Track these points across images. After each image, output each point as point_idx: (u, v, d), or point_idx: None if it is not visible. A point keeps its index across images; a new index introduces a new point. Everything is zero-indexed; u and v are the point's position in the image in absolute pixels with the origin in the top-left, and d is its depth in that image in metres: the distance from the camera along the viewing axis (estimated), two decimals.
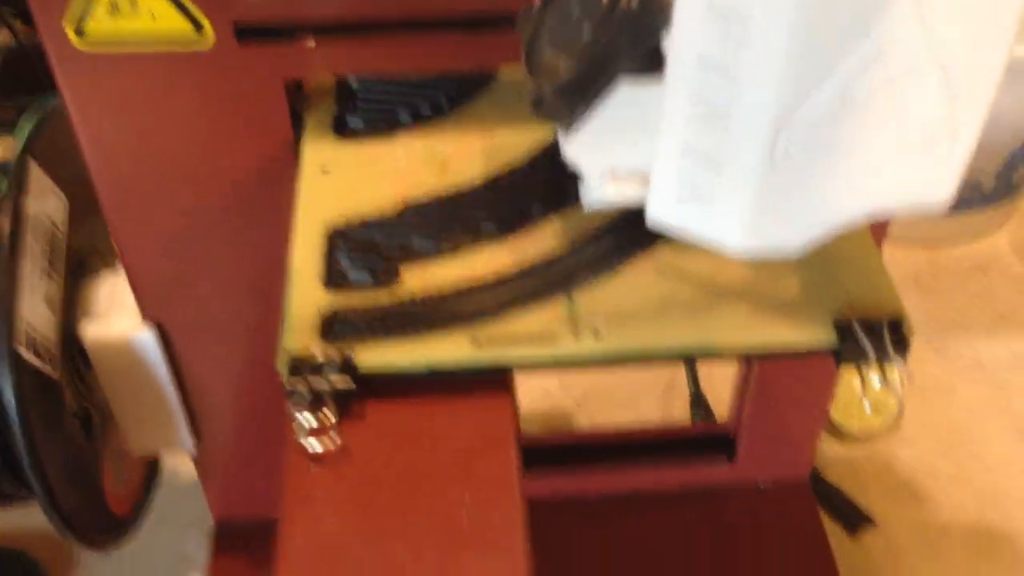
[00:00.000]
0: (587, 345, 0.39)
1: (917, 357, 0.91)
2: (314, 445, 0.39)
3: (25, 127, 0.57)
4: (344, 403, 0.39)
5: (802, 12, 0.29)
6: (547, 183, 0.45)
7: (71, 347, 0.58)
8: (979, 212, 0.99)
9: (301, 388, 0.38)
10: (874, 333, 0.40)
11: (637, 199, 0.37)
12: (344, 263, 0.42)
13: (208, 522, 0.71)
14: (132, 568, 0.76)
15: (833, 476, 0.82)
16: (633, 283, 0.41)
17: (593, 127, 0.37)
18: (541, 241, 0.43)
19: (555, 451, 0.73)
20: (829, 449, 0.85)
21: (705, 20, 0.31)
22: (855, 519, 0.81)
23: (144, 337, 0.55)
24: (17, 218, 0.53)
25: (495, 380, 0.40)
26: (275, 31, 0.44)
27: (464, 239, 0.42)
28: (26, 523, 0.75)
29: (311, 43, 0.44)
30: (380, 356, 0.39)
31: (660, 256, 0.42)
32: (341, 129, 0.47)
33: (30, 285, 0.53)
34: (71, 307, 0.58)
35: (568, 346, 0.39)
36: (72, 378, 0.59)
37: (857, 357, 0.39)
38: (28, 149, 0.56)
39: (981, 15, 0.30)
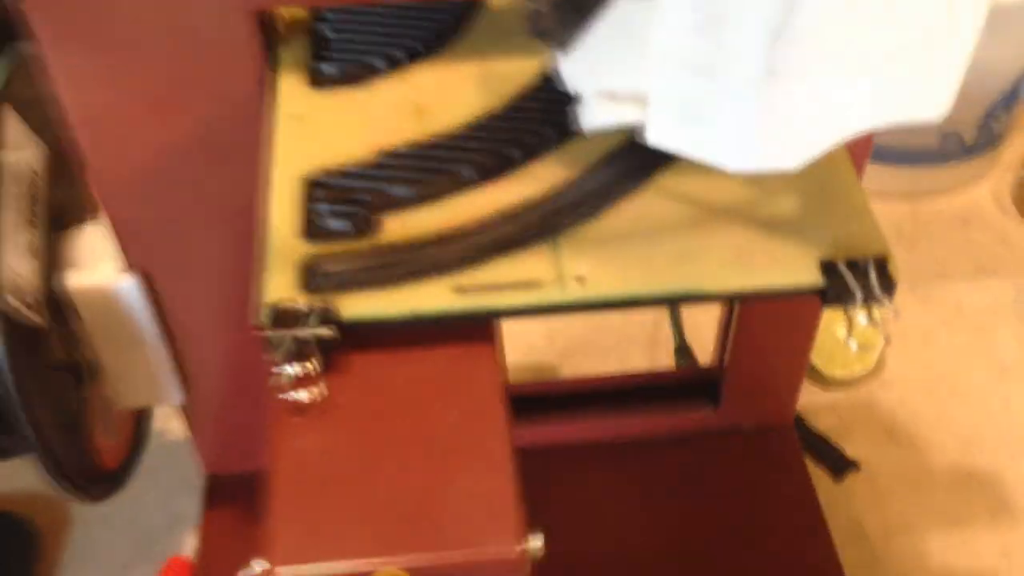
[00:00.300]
0: (571, 291, 0.38)
1: (898, 305, 0.91)
2: (299, 396, 0.38)
3: None
4: (327, 353, 0.38)
5: None
6: (527, 127, 0.43)
7: (56, 297, 0.57)
8: (960, 164, 0.98)
9: (284, 339, 0.37)
10: (860, 273, 0.39)
11: (635, 121, 0.36)
12: (322, 213, 0.40)
13: (200, 480, 0.70)
14: (125, 527, 0.75)
15: (817, 422, 0.82)
16: (617, 227, 0.40)
17: (590, 46, 0.36)
18: (523, 187, 0.41)
19: (539, 399, 0.72)
20: (813, 396, 0.84)
21: None
22: (840, 464, 0.81)
23: (127, 285, 0.54)
24: None
25: (479, 327, 0.39)
26: None
27: (444, 186, 0.41)
28: (15, 484, 0.76)
29: None
30: (362, 305, 0.38)
31: (643, 200, 0.41)
32: (315, 78, 0.45)
33: (13, 235, 0.52)
34: (54, 258, 0.57)
35: (552, 293, 0.38)
36: (59, 329, 0.57)
37: (843, 298, 0.38)
38: (3, 97, 0.54)
39: None
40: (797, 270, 0.39)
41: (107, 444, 0.62)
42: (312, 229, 0.40)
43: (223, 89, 0.46)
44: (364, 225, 0.40)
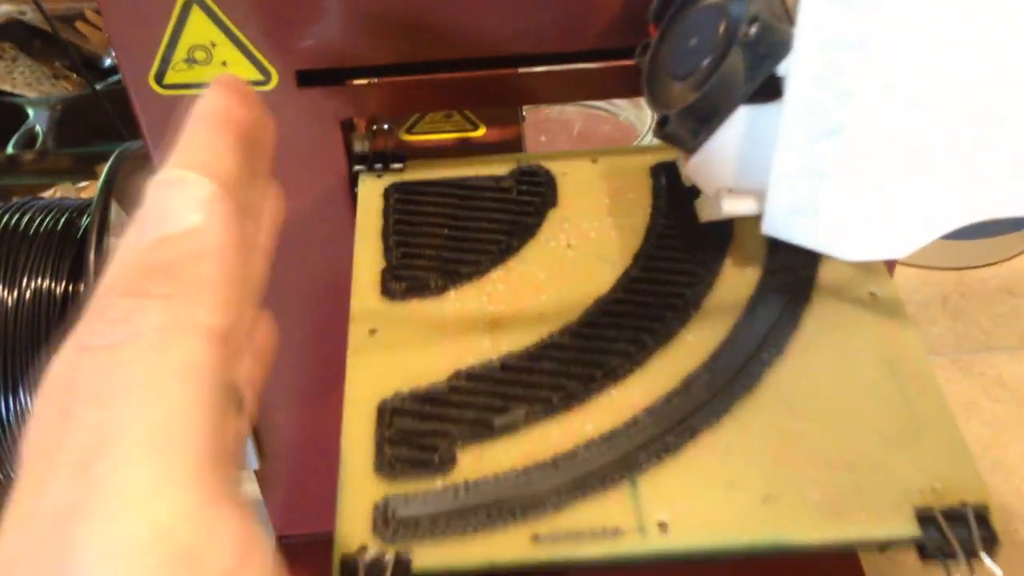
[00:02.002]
0: (653, 541, 0.33)
1: (941, 376, 0.85)
2: None
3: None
4: None
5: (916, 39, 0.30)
6: (604, 345, 0.37)
7: None
8: (1006, 235, 0.91)
9: None
10: (959, 523, 0.32)
11: (752, 212, 0.36)
12: (396, 447, 0.35)
13: (270, 539, 0.66)
14: None
15: None
16: (699, 466, 0.34)
17: (712, 149, 0.36)
18: (601, 415, 0.36)
19: None
20: None
21: (825, 48, 0.31)
22: None
23: None
24: (101, 253, 0.52)
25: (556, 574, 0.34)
26: (331, 75, 0.44)
27: (519, 415, 0.36)
28: None
29: (368, 82, 0.45)
30: (437, 555, 0.33)
31: (725, 432, 0.35)
32: (388, 286, 0.40)
33: None
34: None
35: (633, 542, 0.33)
36: None
37: (943, 554, 0.32)
38: (107, 190, 0.55)
39: None
40: (891, 520, 0.33)
41: None
42: (386, 464, 0.35)
43: (310, 184, 0.46)
44: (439, 461, 0.35)
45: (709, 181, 0.37)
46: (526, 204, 0.42)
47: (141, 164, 0.59)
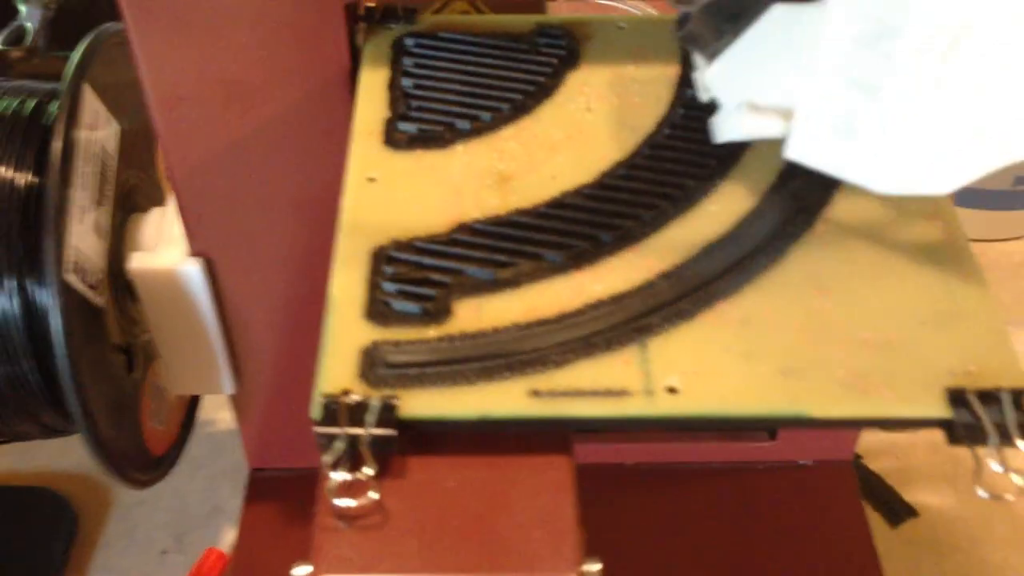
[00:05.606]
0: (661, 404, 0.31)
1: None
2: (348, 502, 0.31)
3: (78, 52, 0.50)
4: (383, 454, 0.31)
5: None
6: (620, 208, 0.36)
7: (118, 279, 0.52)
8: None
9: (336, 437, 0.30)
10: (993, 406, 0.31)
11: (775, 134, 0.33)
12: (389, 291, 0.33)
13: (243, 474, 0.64)
14: (165, 514, 0.69)
15: (877, 467, 0.74)
16: (715, 333, 0.32)
17: (738, 54, 0.32)
18: (613, 276, 0.34)
19: None
20: (871, 436, 0.76)
21: None
22: (897, 509, 0.72)
23: (191, 270, 0.49)
24: (68, 143, 0.47)
25: (554, 438, 0.32)
26: None
27: (524, 270, 0.34)
28: (60, 463, 0.70)
29: None
30: (426, 403, 0.31)
31: (746, 302, 0.33)
32: (391, 137, 0.38)
33: (80, 212, 0.47)
34: (119, 238, 0.53)
35: (639, 404, 0.31)
36: (117, 311, 0.53)
37: (973, 436, 0.30)
38: (80, 73, 0.49)
39: None
40: (919, 399, 0.31)
41: (156, 430, 0.57)
42: (377, 310, 0.33)
43: (305, 78, 0.42)
44: (434, 310, 0.33)
45: (730, 93, 0.34)
46: (545, 64, 0.40)
47: (122, 49, 0.56)
